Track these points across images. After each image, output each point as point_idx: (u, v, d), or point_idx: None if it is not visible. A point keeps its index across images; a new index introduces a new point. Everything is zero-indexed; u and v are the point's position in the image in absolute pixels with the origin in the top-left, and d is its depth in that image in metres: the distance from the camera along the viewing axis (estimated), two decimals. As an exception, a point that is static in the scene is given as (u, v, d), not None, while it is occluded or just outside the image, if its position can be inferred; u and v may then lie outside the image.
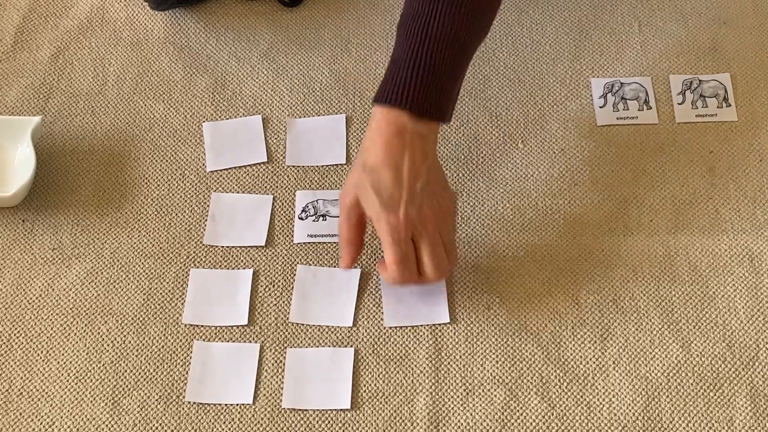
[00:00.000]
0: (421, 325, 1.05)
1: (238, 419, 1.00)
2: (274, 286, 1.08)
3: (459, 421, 0.99)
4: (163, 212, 1.14)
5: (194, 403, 1.01)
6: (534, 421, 0.99)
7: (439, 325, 1.05)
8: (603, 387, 1.01)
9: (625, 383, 1.01)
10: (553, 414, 1.00)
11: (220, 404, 1.01)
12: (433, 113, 1.00)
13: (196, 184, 1.16)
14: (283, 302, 1.07)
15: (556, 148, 1.17)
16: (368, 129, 1.01)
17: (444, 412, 1.00)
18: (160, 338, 1.05)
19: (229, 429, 0.99)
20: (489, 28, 1.05)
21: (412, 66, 0.99)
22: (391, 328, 1.05)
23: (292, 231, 1.12)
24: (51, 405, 1.01)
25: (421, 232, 0.99)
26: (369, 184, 0.99)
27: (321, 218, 1.13)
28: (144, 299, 1.07)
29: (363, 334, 1.05)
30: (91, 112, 1.21)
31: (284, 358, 1.03)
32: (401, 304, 1.06)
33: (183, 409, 1.01)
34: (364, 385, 1.02)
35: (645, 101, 1.20)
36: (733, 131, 1.17)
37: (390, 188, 0.98)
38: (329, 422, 1.00)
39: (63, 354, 1.04)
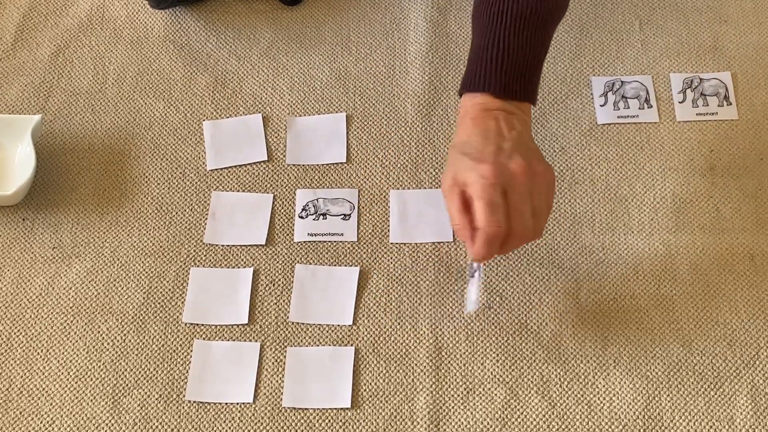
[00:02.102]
0: (421, 323, 1.05)
1: (239, 418, 1.00)
2: (274, 284, 1.08)
3: (459, 419, 0.99)
4: (164, 211, 1.14)
5: (194, 401, 1.01)
6: (534, 419, 0.99)
7: (439, 323, 1.05)
8: (603, 386, 1.01)
9: (625, 382, 1.01)
10: (553, 413, 0.99)
11: (220, 403, 1.01)
12: (517, 94, 0.98)
13: (196, 182, 1.16)
14: (284, 301, 1.07)
15: (557, 146, 1.17)
16: (457, 119, 1.00)
17: (444, 410, 1.00)
18: (161, 337, 1.05)
19: (230, 428, 0.99)
20: (567, 1, 1.04)
21: (491, 50, 0.98)
22: (391, 326, 1.05)
23: (293, 230, 1.12)
24: (51, 403, 1.01)
25: (511, 183, 0.93)
26: (458, 155, 0.96)
27: (321, 217, 1.12)
28: (144, 298, 1.07)
29: (363, 333, 1.05)
30: (92, 110, 1.21)
31: (284, 357, 1.03)
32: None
33: (183, 407, 1.01)
34: (365, 384, 1.02)
35: (646, 100, 1.20)
36: (734, 130, 1.17)
37: (477, 147, 0.95)
38: (329, 421, 1.00)
39: (63, 352, 1.04)
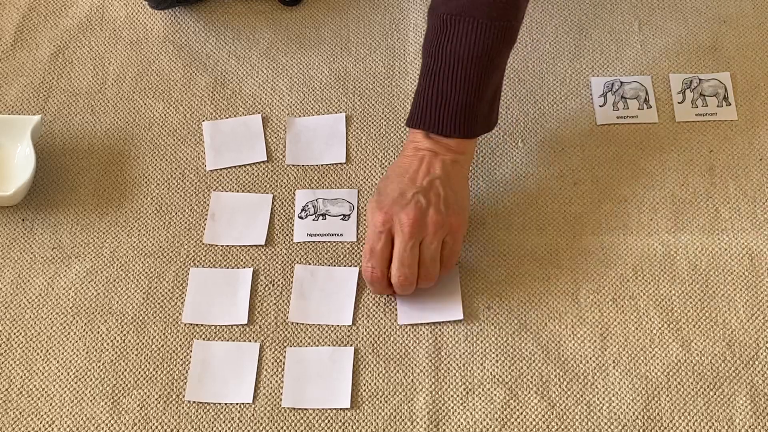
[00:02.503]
0: (423, 324, 1.05)
1: (238, 418, 1.00)
2: (273, 285, 1.08)
3: (459, 420, 0.99)
4: (163, 211, 1.14)
5: (194, 402, 1.01)
6: (534, 420, 0.99)
7: (439, 324, 1.05)
8: (603, 386, 1.01)
9: (624, 382, 1.01)
10: (552, 413, 1.00)
11: (219, 403, 1.01)
12: (450, 132, 1.03)
13: (195, 183, 1.16)
14: (283, 301, 1.07)
15: (556, 147, 1.17)
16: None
17: (444, 411, 1.00)
18: (160, 337, 1.05)
19: (229, 428, 0.99)
20: (515, 37, 1.05)
21: (427, 90, 1.04)
22: (392, 326, 1.05)
23: (292, 230, 1.12)
24: (51, 404, 1.01)
25: (398, 232, 1.01)
26: (379, 185, 1.04)
27: (321, 217, 1.13)
28: (144, 298, 1.07)
29: (362, 333, 1.05)
30: (91, 111, 1.21)
31: (284, 357, 1.03)
32: (415, 301, 1.06)
33: (183, 408, 1.01)
34: (364, 384, 1.02)
35: (645, 100, 1.20)
36: (733, 130, 1.17)
37: (387, 190, 1.02)
38: (329, 421, 1.00)
39: (63, 353, 1.04)
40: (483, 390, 1.01)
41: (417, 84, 1.06)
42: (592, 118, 1.19)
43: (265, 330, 1.05)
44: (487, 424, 0.99)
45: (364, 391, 1.01)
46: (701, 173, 1.14)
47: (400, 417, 1.00)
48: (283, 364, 1.03)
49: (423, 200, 1.01)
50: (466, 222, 1.05)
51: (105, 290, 1.08)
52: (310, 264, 1.09)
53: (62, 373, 1.03)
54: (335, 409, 1.00)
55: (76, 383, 1.02)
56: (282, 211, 1.13)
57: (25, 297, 1.08)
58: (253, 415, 1.00)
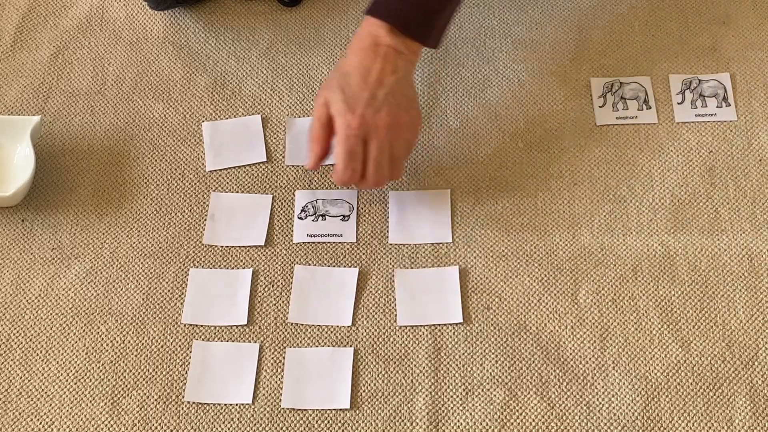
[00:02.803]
0: (427, 325, 1.05)
1: (238, 419, 1.00)
2: (273, 285, 1.08)
3: (458, 420, 0.99)
4: (163, 212, 1.14)
5: (193, 402, 1.01)
6: (533, 420, 0.99)
7: (438, 324, 1.05)
8: (602, 387, 1.01)
9: (624, 383, 1.01)
10: (552, 414, 1.00)
11: (219, 404, 1.01)
12: (413, 31, 1.04)
13: (195, 183, 1.16)
14: (283, 302, 1.07)
15: (556, 147, 1.17)
16: (353, 37, 1.06)
17: (443, 411, 1.00)
18: (160, 338, 1.05)
19: (229, 429, 0.99)
20: None
21: None
22: (391, 327, 1.05)
23: (292, 231, 1.12)
24: (50, 404, 1.01)
25: (372, 135, 1.03)
26: (336, 85, 1.05)
27: (320, 218, 1.12)
28: (143, 299, 1.07)
29: (362, 334, 1.05)
30: (91, 111, 1.21)
31: (283, 357, 1.03)
32: (414, 303, 1.06)
33: (182, 408, 1.01)
34: (364, 385, 1.02)
35: (644, 101, 1.20)
36: (733, 131, 1.17)
37: (353, 89, 1.03)
38: (328, 422, 1.00)
39: (62, 354, 1.04)
40: (482, 391, 1.01)
41: None
42: (592, 118, 1.19)
43: (265, 330, 1.05)
44: (487, 424, 0.99)
45: (364, 391, 1.01)
46: (701, 174, 1.14)
47: (400, 418, 1.00)
48: (283, 364, 1.03)
49: (393, 102, 1.04)
50: (421, 119, 1.09)
51: (104, 291, 1.08)
52: (309, 265, 1.09)
53: (62, 374, 1.03)
54: (335, 409, 1.00)
55: (75, 384, 1.02)
56: (282, 211, 1.13)
57: (24, 297, 1.08)
58: (252, 415, 1.00)
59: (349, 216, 1.13)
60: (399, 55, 1.05)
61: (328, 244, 1.11)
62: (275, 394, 1.01)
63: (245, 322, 1.06)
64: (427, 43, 1.06)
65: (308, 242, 1.11)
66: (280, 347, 1.04)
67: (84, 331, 1.05)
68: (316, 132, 1.07)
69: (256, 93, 1.23)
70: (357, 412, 1.00)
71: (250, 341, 1.05)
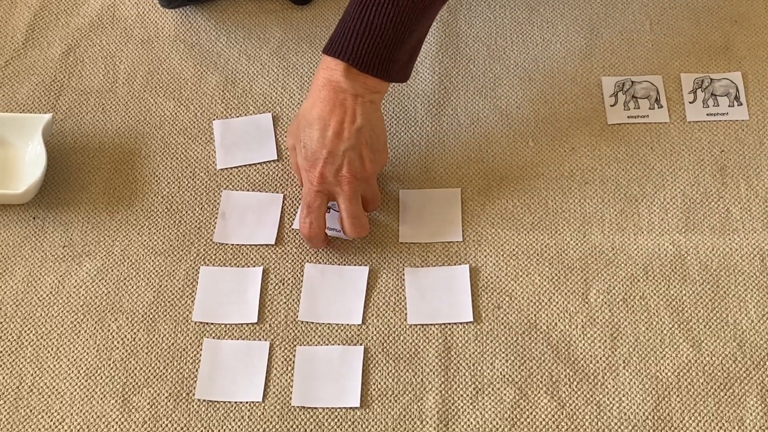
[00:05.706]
0: (437, 324, 1.05)
1: (248, 417, 1.00)
2: (283, 284, 1.08)
3: (468, 419, 0.99)
4: (174, 210, 1.14)
5: (204, 400, 1.01)
6: (543, 419, 0.99)
7: (449, 323, 1.05)
8: (613, 386, 1.01)
9: (635, 382, 1.01)
10: (562, 413, 0.99)
11: (229, 402, 1.01)
12: (372, 68, 1.02)
13: (206, 181, 1.16)
14: (293, 300, 1.07)
15: (567, 146, 1.17)
16: (314, 77, 1.05)
17: (453, 410, 1.00)
18: (170, 336, 1.05)
19: (239, 427, 1.00)
20: None
21: (355, 21, 1.02)
22: (401, 326, 1.05)
23: (302, 229, 1.12)
24: (61, 402, 1.01)
25: (337, 191, 1.05)
26: (300, 136, 1.05)
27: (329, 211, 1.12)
28: (154, 297, 1.08)
29: (372, 332, 1.05)
30: (102, 109, 1.22)
31: (294, 356, 1.03)
32: (425, 302, 1.06)
33: (193, 406, 1.01)
34: (374, 384, 1.02)
35: (656, 100, 1.19)
36: (745, 130, 1.17)
37: (314, 145, 1.03)
38: (338, 420, 1.00)
39: (73, 351, 1.04)
40: (493, 389, 1.01)
41: (344, 11, 1.05)
42: (603, 117, 1.19)
43: (275, 329, 1.05)
44: (497, 423, 0.99)
45: (374, 390, 1.01)
46: (712, 173, 1.14)
47: (410, 416, 1.00)
48: (293, 362, 1.03)
49: (354, 156, 1.03)
50: (387, 155, 1.09)
51: (115, 288, 1.08)
52: (320, 263, 1.09)
53: (73, 371, 1.03)
54: (345, 408, 1.00)
55: (86, 381, 1.02)
56: (292, 209, 1.14)
57: (36, 295, 1.08)
58: (262, 413, 1.00)
59: (359, 214, 1.13)
60: (357, 101, 1.02)
61: (339, 241, 1.11)
62: (285, 392, 1.02)
63: (255, 320, 1.06)
64: (390, 79, 1.04)
65: (319, 240, 1.11)
66: (290, 345, 1.04)
67: (95, 328, 1.06)
68: (297, 171, 1.09)
69: (267, 91, 1.23)
70: (367, 410, 1.00)
71: (260, 339, 1.05)
